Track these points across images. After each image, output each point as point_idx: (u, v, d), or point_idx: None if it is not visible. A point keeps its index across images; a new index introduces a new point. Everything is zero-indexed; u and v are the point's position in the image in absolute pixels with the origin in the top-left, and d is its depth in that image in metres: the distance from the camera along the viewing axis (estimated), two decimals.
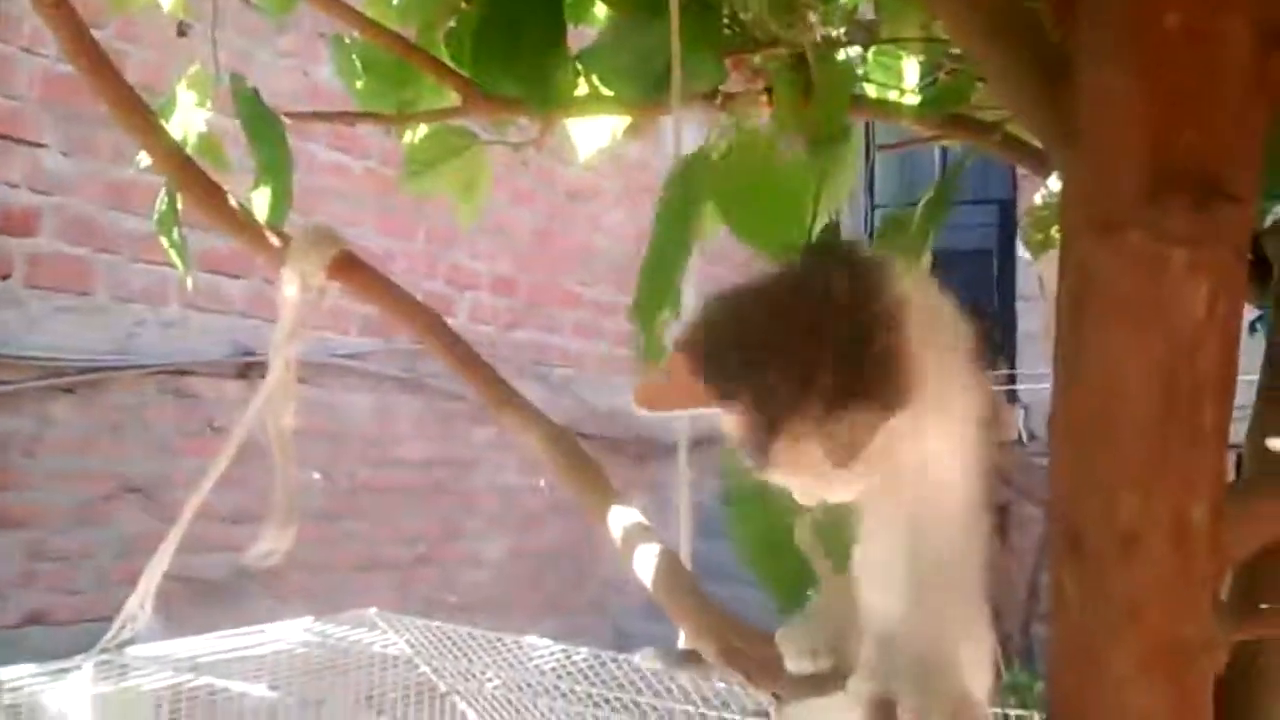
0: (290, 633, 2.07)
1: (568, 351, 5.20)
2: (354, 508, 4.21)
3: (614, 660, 1.91)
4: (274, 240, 1.12)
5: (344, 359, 4.14)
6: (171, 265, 1.56)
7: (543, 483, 4.53)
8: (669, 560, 0.90)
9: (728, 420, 0.71)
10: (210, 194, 1.14)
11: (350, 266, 1.09)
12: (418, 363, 4.27)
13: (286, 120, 1.42)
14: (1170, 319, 0.63)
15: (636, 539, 0.92)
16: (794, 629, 0.78)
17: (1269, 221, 1.05)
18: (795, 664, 0.76)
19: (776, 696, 0.78)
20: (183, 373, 3.71)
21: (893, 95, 1.39)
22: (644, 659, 0.98)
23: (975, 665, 0.77)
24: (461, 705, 2.06)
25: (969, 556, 0.76)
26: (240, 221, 1.14)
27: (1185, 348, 0.63)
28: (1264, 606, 0.79)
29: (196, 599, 3.44)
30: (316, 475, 3.47)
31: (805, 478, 0.71)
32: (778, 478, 0.71)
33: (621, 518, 0.95)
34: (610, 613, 4.86)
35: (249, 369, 3.75)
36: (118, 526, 3.47)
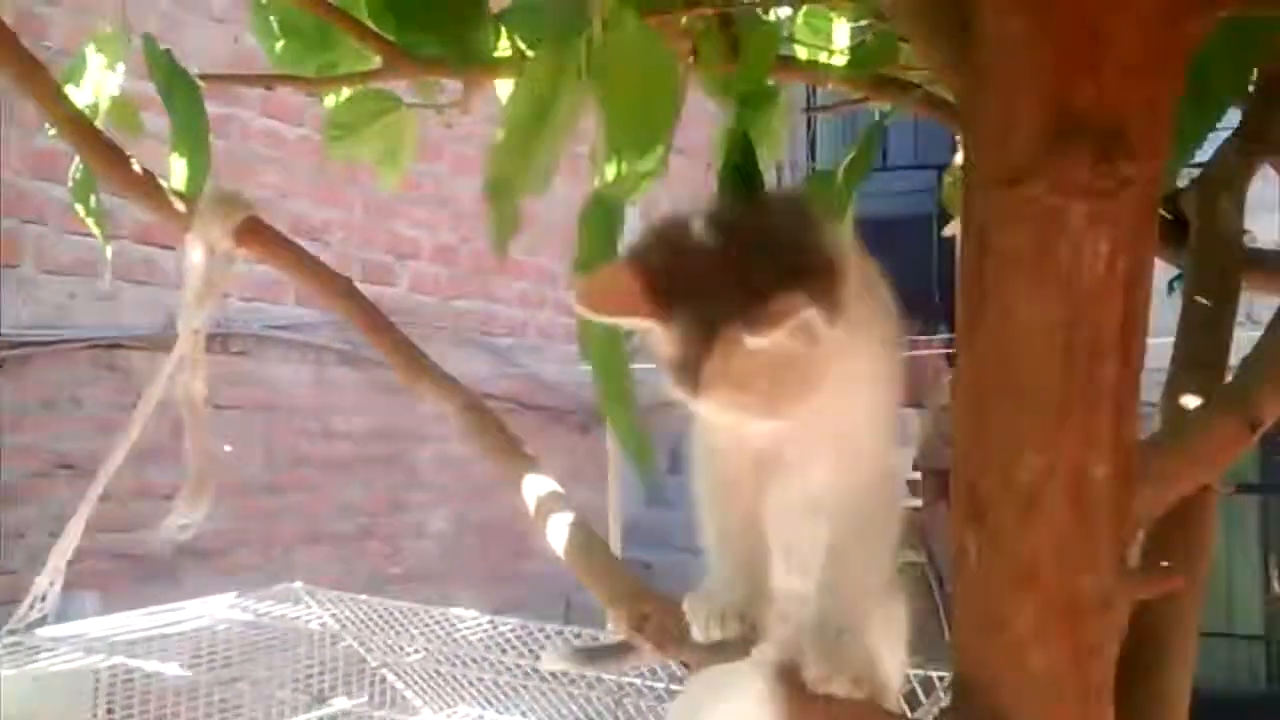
0: (213, 609, 2.03)
1: (511, 320, 5.16)
2: (296, 481, 4.16)
3: (541, 630, 1.90)
4: (179, 206, 1.09)
5: (281, 330, 4.07)
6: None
7: None
8: (582, 528, 0.89)
9: (662, 341, 0.71)
10: (114, 160, 1.11)
11: (257, 232, 1.07)
12: (357, 334, 4.21)
13: (207, 85, 1.38)
14: (1069, 274, 0.62)
15: (550, 507, 0.91)
16: (701, 596, 0.77)
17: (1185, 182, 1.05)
18: (701, 631, 0.75)
19: (685, 664, 0.77)
20: (115, 346, 3.64)
21: (823, 57, 1.38)
22: (547, 661, 0.98)
23: (887, 630, 0.77)
24: (392, 679, 2.04)
25: (882, 524, 0.76)
26: (146, 187, 1.12)
27: (1085, 304, 0.62)
28: (1164, 564, 0.79)
29: (136, 578, 3.39)
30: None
31: (735, 399, 0.70)
32: (710, 403, 0.71)
33: (535, 486, 0.94)
34: (560, 584, 4.85)
35: None
36: (50, 504, 3.40)
